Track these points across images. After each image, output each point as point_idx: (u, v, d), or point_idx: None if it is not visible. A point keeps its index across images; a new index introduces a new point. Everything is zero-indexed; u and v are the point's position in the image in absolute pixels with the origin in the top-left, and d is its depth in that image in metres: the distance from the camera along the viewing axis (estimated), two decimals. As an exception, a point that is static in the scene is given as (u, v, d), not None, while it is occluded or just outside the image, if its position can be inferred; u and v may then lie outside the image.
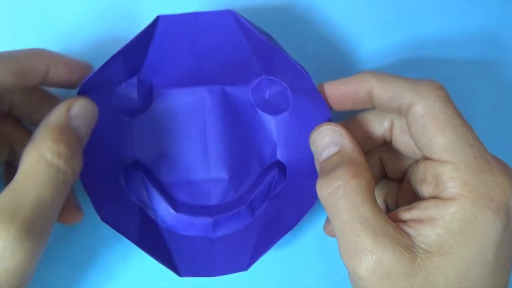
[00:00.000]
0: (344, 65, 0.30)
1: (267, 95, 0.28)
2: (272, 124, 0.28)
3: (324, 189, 0.22)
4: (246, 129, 0.28)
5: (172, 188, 0.28)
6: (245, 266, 0.26)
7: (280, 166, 0.28)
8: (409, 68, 0.30)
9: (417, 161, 0.24)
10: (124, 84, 0.27)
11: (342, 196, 0.21)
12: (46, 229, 0.21)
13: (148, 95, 0.27)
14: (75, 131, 0.23)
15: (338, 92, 0.24)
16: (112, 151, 0.27)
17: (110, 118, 0.27)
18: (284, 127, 0.28)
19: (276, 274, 0.29)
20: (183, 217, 0.27)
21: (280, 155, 0.28)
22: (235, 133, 0.28)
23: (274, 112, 0.28)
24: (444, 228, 0.20)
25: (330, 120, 0.25)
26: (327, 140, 0.24)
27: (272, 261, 0.28)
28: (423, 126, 0.22)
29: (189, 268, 0.26)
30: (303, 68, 0.25)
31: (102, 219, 0.25)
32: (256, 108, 0.28)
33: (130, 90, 0.27)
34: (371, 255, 0.20)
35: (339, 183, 0.21)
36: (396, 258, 0.20)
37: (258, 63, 0.27)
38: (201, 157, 0.28)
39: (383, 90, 0.23)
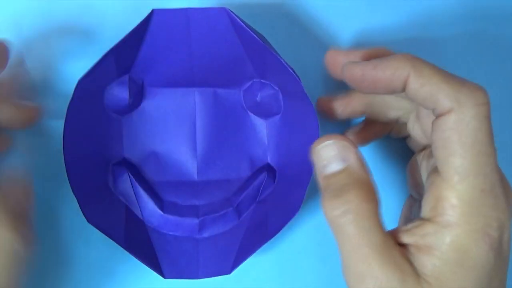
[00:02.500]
0: None
1: (258, 98, 0.28)
2: (263, 127, 0.28)
3: (333, 211, 0.21)
4: (236, 131, 0.28)
5: (159, 188, 0.28)
6: (228, 270, 0.26)
7: (269, 169, 0.28)
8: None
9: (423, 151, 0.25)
10: (115, 82, 0.27)
11: (352, 220, 0.21)
12: None
13: (139, 93, 0.27)
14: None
15: (370, 76, 0.22)
16: (100, 149, 0.27)
17: (100, 116, 0.26)
18: (275, 130, 0.28)
19: (265, 277, 0.28)
20: (170, 217, 0.27)
21: (270, 159, 0.28)
22: (226, 135, 0.28)
23: (266, 115, 0.28)
24: (440, 258, 0.20)
25: (317, 127, 0.25)
26: (333, 155, 0.22)
27: (261, 264, 0.28)
28: (447, 139, 0.20)
29: (173, 270, 0.26)
30: (293, 71, 0.24)
31: (88, 221, 0.25)
32: (248, 111, 0.28)
33: (121, 89, 0.27)
34: (378, 281, 0.20)
35: (349, 206, 0.21)
36: (401, 285, 0.20)
37: (250, 64, 0.26)
38: (190, 158, 0.28)
39: (420, 87, 0.21)
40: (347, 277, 0.21)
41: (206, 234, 0.27)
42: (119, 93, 0.27)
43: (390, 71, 0.21)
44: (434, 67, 0.21)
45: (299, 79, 0.24)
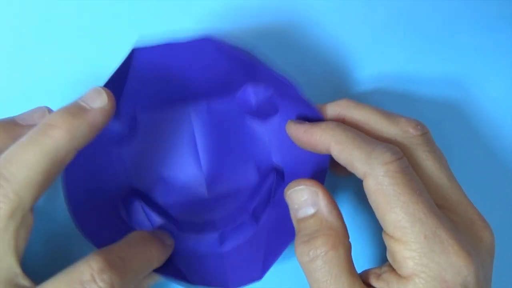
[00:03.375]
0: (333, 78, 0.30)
1: (254, 101, 0.28)
2: (263, 130, 0.28)
3: (303, 256, 0.22)
4: (237, 139, 0.28)
5: (173, 210, 0.28)
6: (258, 276, 0.26)
7: (277, 169, 0.28)
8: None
9: None
10: None
11: (321, 267, 0.22)
12: None
13: (133, 121, 0.27)
14: None
15: (301, 137, 0.25)
16: (106, 186, 0.26)
17: (100, 153, 0.26)
18: (275, 131, 0.28)
19: (292, 281, 0.29)
20: (188, 236, 0.27)
21: (275, 159, 0.28)
22: (227, 145, 0.28)
23: (263, 117, 0.28)
24: None
25: (322, 118, 0.25)
26: (304, 200, 0.23)
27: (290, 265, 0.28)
28: (375, 202, 0.21)
29: (202, 281, 0.26)
30: (286, 79, 0.24)
31: None
32: (245, 116, 0.28)
33: (113, 122, 0.26)
34: None
35: (317, 252, 0.22)
36: None
37: (243, 73, 0.26)
38: (197, 176, 0.28)
39: (338, 154, 0.23)
40: None
41: (228, 246, 0.27)
42: (113, 127, 0.26)
43: (316, 137, 0.24)
44: (353, 134, 0.23)
45: (295, 85, 0.24)
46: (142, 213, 0.27)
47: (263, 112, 0.28)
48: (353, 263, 0.22)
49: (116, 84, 0.25)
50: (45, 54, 0.28)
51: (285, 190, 0.24)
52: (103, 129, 0.25)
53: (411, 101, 0.31)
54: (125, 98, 0.26)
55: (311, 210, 0.23)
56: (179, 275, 0.26)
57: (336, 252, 0.22)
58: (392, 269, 0.22)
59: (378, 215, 0.22)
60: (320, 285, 0.22)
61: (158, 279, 0.26)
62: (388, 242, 0.22)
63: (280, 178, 0.28)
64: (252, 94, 0.28)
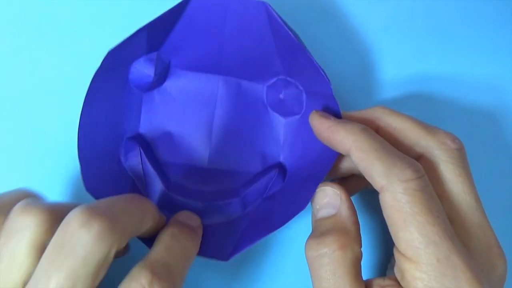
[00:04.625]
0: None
1: (281, 96, 0.28)
2: (281, 125, 0.28)
3: (311, 251, 0.22)
4: (254, 126, 0.28)
5: (169, 168, 0.28)
6: (225, 257, 0.26)
7: (281, 168, 0.28)
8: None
9: None
10: (143, 58, 0.27)
11: (326, 264, 0.21)
12: None
13: (164, 72, 0.28)
14: None
15: (324, 133, 0.24)
16: (117, 121, 0.27)
17: (122, 88, 0.27)
18: (293, 130, 0.28)
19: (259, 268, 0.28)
20: (174, 197, 0.27)
21: (283, 158, 0.28)
22: (242, 127, 0.28)
23: (285, 113, 0.28)
24: None
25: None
26: (326, 201, 0.24)
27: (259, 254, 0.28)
28: (390, 217, 0.21)
29: None
30: (324, 73, 0.24)
31: (87, 189, 0.24)
32: (268, 107, 0.28)
33: (147, 65, 0.27)
34: None
35: (326, 250, 0.22)
36: None
37: (279, 61, 0.27)
38: (203, 144, 0.28)
39: (358, 161, 0.22)
40: None
41: (208, 221, 0.27)
42: (145, 69, 0.27)
43: (338, 138, 0.23)
44: (376, 144, 0.22)
45: (329, 81, 0.24)
46: (138, 159, 0.27)
47: (287, 109, 0.28)
48: (360, 270, 0.22)
49: (166, 24, 0.25)
50: (45, 53, 0.29)
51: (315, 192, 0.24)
52: (135, 69, 0.26)
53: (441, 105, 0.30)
54: (169, 44, 0.26)
55: (331, 212, 0.23)
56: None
57: (344, 253, 0.21)
58: (397, 284, 0.21)
59: (392, 230, 0.21)
60: (322, 283, 0.21)
61: None
62: (398, 258, 0.21)
63: (281, 177, 0.27)
64: (282, 88, 0.28)
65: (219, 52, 0.27)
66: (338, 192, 0.23)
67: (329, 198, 0.23)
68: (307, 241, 0.23)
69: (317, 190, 0.24)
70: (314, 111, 0.25)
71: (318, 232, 0.23)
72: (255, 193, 0.27)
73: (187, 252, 0.23)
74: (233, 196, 0.27)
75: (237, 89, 0.28)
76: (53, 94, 0.28)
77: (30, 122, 0.28)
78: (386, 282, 0.22)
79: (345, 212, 0.23)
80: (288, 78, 0.27)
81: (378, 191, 0.21)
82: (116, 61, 0.25)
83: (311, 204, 0.24)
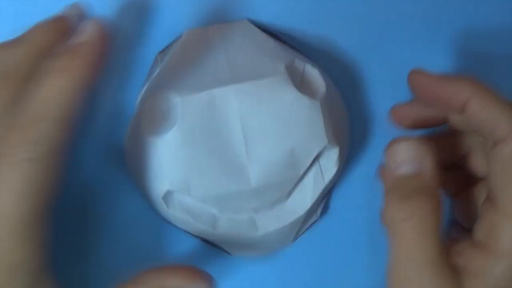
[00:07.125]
0: None
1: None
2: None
3: (398, 214, 0.21)
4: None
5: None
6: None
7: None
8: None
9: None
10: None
11: (415, 226, 0.20)
12: None
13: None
14: None
15: (433, 88, 0.22)
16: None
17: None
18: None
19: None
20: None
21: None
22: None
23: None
24: (487, 286, 0.20)
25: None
26: (410, 156, 0.21)
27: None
28: (503, 169, 0.20)
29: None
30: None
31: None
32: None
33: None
34: None
35: (414, 213, 0.20)
36: None
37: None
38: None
39: (480, 108, 0.21)
40: (392, 278, 0.21)
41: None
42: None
43: (454, 88, 0.22)
44: (496, 93, 0.21)
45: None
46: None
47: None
48: (442, 232, 0.21)
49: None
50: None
51: (389, 144, 0.22)
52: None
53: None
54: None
55: (413, 169, 0.21)
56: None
57: (433, 217, 0.20)
58: (476, 247, 0.21)
59: (497, 182, 0.20)
60: (408, 245, 0.20)
61: None
62: (490, 213, 0.21)
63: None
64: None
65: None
66: (427, 148, 0.21)
67: (414, 154, 0.21)
68: (388, 204, 0.21)
69: (399, 144, 0.22)
70: (415, 69, 0.23)
71: (402, 193, 0.21)
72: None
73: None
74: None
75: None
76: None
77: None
78: (461, 246, 0.22)
79: (431, 172, 0.21)
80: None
81: (496, 142, 0.20)
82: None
83: (386, 157, 0.22)
